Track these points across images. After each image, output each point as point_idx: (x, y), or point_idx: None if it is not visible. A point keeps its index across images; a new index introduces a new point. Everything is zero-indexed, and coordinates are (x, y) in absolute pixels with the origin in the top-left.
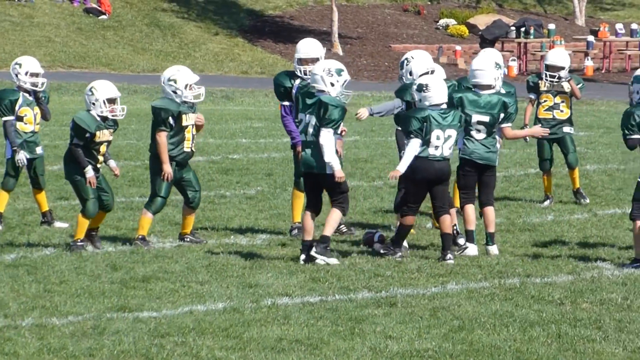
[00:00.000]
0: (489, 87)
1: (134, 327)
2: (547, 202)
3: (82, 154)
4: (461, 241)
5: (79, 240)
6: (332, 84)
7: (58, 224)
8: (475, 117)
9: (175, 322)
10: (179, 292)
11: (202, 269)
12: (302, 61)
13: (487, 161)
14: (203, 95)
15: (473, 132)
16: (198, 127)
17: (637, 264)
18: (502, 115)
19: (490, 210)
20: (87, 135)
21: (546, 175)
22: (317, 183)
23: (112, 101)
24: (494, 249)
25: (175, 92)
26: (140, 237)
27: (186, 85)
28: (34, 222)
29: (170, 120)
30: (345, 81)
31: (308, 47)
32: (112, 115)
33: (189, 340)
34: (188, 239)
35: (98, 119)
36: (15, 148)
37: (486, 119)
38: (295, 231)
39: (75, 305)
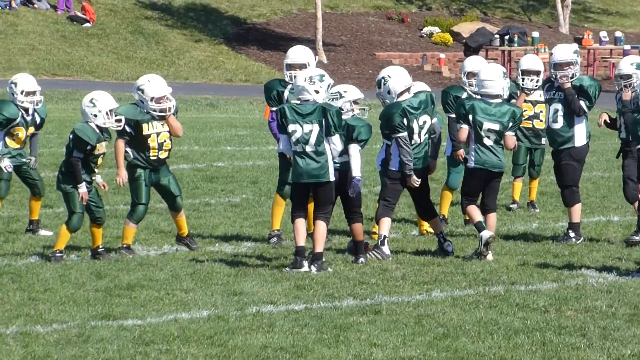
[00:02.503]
0: (497, 96)
1: (119, 335)
2: (514, 206)
3: (80, 168)
4: (449, 248)
5: (58, 251)
6: (317, 91)
7: (43, 232)
8: (486, 125)
9: (160, 330)
10: (164, 300)
11: (186, 276)
12: (290, 67)
13: (499, 168)
14: (172, 108)
15: (485, 140)
16: (173, 132)
17: None
18: (510, 124)
19: (493, 217)
20: (89, 147)
21: (517, 180)
22: (308, 192)
23: (111, 112)
24: (489, 255)
25: (142, 102)
26: (124, 246)
27: (152, 98)
28: (19, 230)
29: (127, 128)
30: (329, 85)
31: (296, 52)
32: (112, 126)
33: (173, 348)
34: (185, 242)
35: (97, 130)
36: None
37: (496, 127)
38: (275, 239)
39: (59, 313)
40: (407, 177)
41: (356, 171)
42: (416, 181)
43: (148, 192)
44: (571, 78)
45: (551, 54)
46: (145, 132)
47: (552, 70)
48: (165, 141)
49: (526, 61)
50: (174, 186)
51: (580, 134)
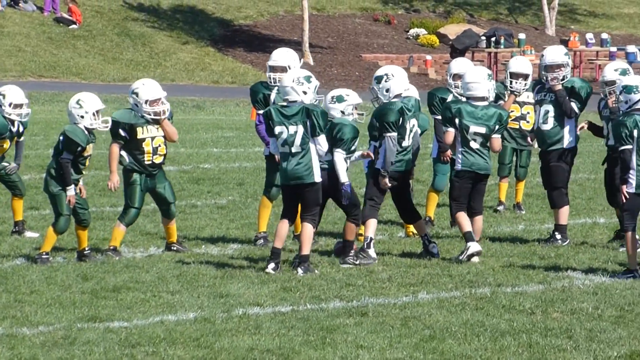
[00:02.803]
0: (482, 98)
1: (105, 337)
2: (501, 207)
3: (70, 170)
4: (434, 249)
5: (44, 253)
6: (305, 92)
7: (29, 234)
8: (473, 128)
9: (146, 332)
10: (150, 302)
11: (173, 278)
12: (272, 68)
13: (486, 170)
14: (167, 112)
15: (471, 143)
16: (168, 136)
17: (630, 275)
18: (497, 126)
19: (480, 220)
20: (79, 149)
21: (503, 181)
22: (296, 194)
23: (97, 113)
24: (475, 258)
25: (136, 105)
26: (112, 247)
27: (146, 101)
28: (4, 232)
29: (122, 132)
30: (315, 86)
31: (278, 55)
32: (99, 127)
33: (160, 350)
34: (175, 248)
35: (86, 132)
36: None
37: (482, 130)
38: (261, 241)
39: (46, 315)
40: (380, 177)
41: (343, 177)
42: (386, 184)
43: (142, 197)
44: (562, 80)
45: (542, 55)
46: (139, 135)
47: (543, 72)
48: (160, 146)
49: (515, 64)
50: (169, 193)
51: (569, 136)
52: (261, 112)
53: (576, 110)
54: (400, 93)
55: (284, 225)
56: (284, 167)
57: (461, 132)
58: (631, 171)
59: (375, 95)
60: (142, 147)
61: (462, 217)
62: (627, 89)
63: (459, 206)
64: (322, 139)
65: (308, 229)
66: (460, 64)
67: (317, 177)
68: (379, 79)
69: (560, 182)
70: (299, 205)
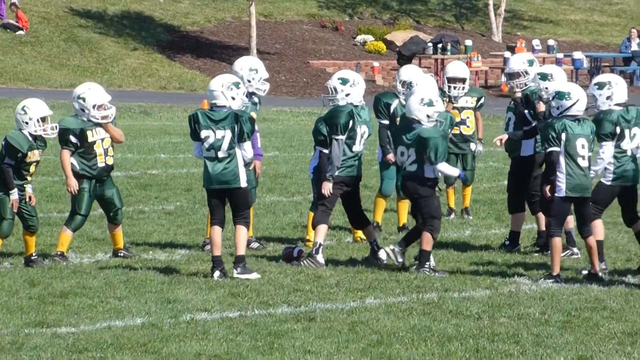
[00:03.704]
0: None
1: (52, 342)
2: (452, 216)
3: (11, 175)
4: (382, 255)
5: None
6: (233, 98)
7: None
8: None
9: (94, 338)
10: (97, 308)
11: (120, 284)
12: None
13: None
14: (113, 116)
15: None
16: (114, 139)
17: (552, 279)
18: (449, 130)
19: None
20: (19, 155)
21: (449, 189)
22: (221, 197)
23: (44, 119)
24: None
25: (82, 110)
26: (59, 253)
27: (94, 105)
28: None
29: (73, 139)
30: (244, 93)
31: (240, 64)
32: (45, 134)
33: (107, 356)
34: (122, 254)
35: (30, 138)
36: None
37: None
38: (209, 247)
39: None
40: (324, 181)
41: (453, 172)
42: (328, 190)
43: (90, 204)
44: (521, 87)
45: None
46: (90, 139)
47: (506, 80)
48: (109, 147)
49: (452, 68)
50: (117, 199)
51: (527, 144)
52: None
53: (529, 118)
54: (353, 102)
55: (217, 232)
56: (209, 170)
57: None
58: (560, 175)
59: (332, 94)
60: (93, 150)
61: (429, 239)
62: (559, 95)
63: (437, 225)
64: (247, 146)
65: (242, 231)
66: (410, 71)
67: (243, 182)
68: (344, 81)
69: (517, 189)
70: (224, 208)
